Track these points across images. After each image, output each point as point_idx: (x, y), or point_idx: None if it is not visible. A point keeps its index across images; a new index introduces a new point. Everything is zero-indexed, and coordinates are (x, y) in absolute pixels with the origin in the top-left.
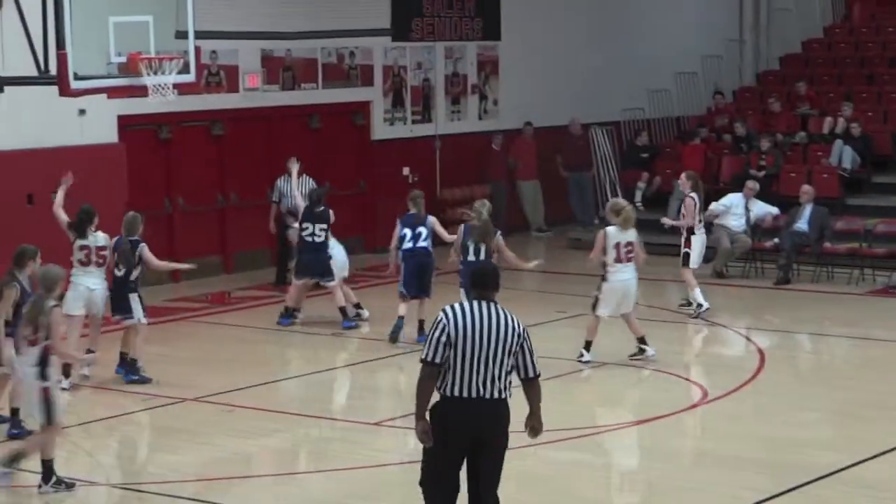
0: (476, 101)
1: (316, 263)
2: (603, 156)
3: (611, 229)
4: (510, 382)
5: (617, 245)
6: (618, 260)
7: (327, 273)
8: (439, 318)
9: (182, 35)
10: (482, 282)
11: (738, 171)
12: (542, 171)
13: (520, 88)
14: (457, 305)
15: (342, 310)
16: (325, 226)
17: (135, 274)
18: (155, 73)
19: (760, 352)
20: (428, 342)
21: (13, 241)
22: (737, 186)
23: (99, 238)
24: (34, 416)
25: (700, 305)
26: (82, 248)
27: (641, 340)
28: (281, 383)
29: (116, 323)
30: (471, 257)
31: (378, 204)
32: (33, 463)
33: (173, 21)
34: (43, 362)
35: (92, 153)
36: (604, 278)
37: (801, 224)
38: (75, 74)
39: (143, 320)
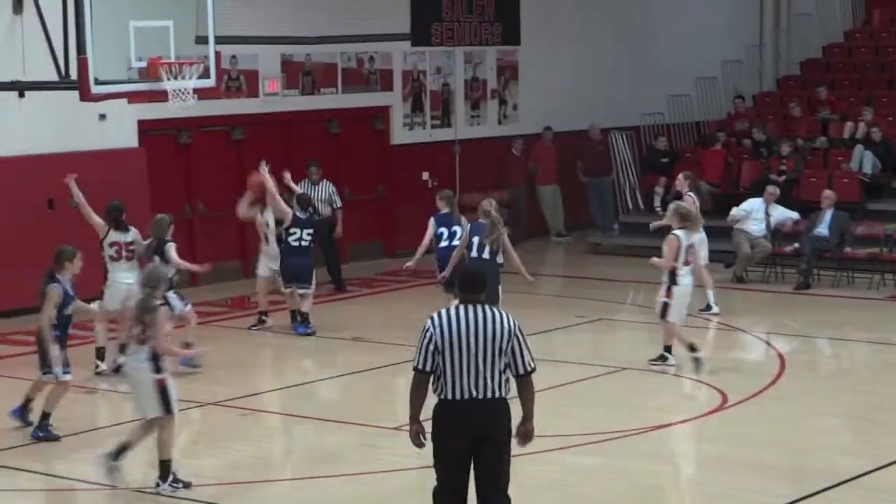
0: (496, 105)
1: (302, 269)
2: (623, 161)
3: (680, 233)
4: (507, 380)
5: (686, 248)
6: (686, 263)
7: (311, 279)
8: (426, 327)
9: (202, 40)
10: (468, 285)
11: (758, 176)
12: (561, 176)
13: (539, 93)
14: (443, 311)
15: (306, 315)
16: (311, 231)
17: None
18: (175, 78)
19: (780, 357)
20: (417, 351)
21: (34, 245)
22: (757, 191)
23: (128, 234)
24: (149, 410)
25: (709, 307)
26: (112, 244)
27: (669, 349)
28: (300, 388)
29: None
30: (474, 254)
31: (397, 209)
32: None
33: (194, 26)
34: (155, 357)
35: (112, 158)
36: (674, 282)
37: (822, 229)
38: (96, 79)
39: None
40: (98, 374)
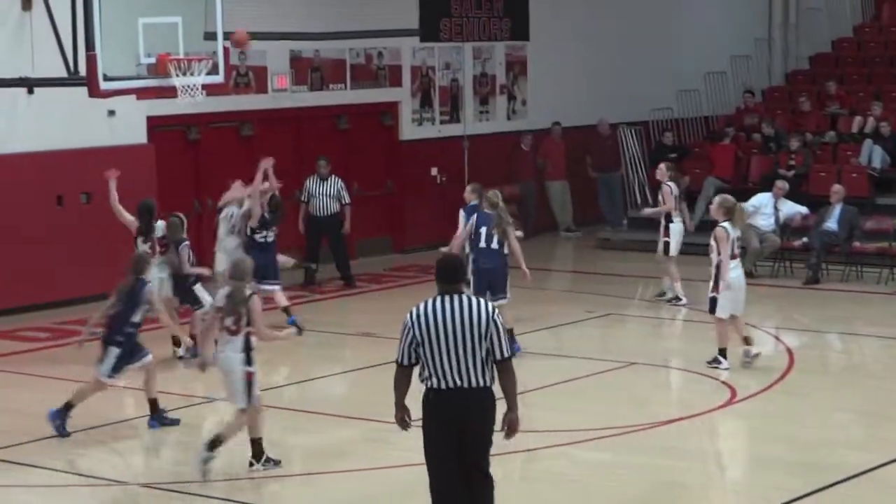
0: (504, 101)
1: (268, 267)
2: (632, 156)
3: (727, 225)
4: (490, 368)
5: (732, 242)
6: (733, 256)
7: (277, 275)
8: (405, 321)
9: (211, 36)
10: (448, 275)
11: (767, 171)
12: (570, 172)
13: (548, 88)
14: (421, 305)
15: (288, 307)
16: (276, 229)
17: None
18: (184, 74)
19: (789, 351)
20: (398, 345)
21: (43, 241)
22: (766, 186)
23: (158, 228)
24: (237, 400)
25: (678, 299)
26: (146, 240)
27: (723, 352)
28: (309, 383)
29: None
30: (482, 245)
31: (406, 204)
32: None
33: (202, 22)
34: (247, 348)
35: (121, 154)
36: (721, 277)
37: (831, 223)
38: (104, 75)
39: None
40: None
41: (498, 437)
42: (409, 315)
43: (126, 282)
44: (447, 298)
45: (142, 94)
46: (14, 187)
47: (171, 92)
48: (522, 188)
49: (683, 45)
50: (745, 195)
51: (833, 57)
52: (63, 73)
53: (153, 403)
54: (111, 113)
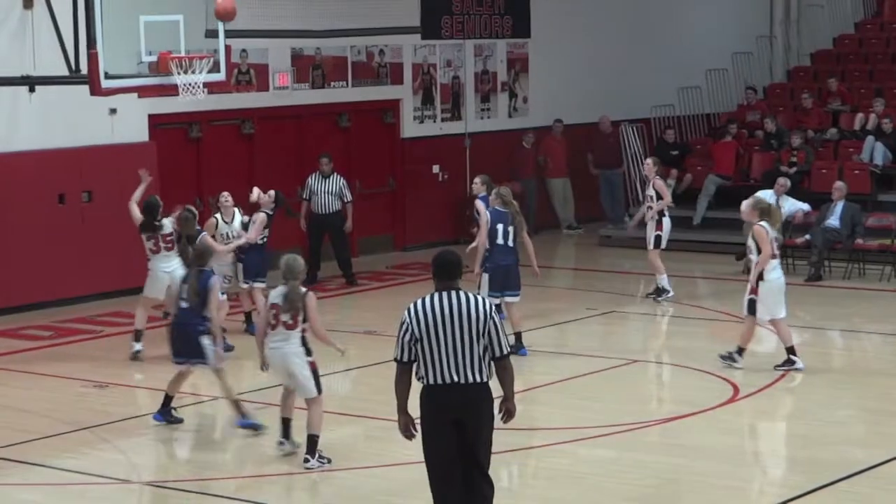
0: (506, 98)
1: (262, 265)
2: (633, 153)
3: (766, 224)
4: (487, 364)
5: (772, 241)
6: (773, 256)
7: (265, 274)
8: (403, 318)
9: (212, 34)
10: (446, 271)
11: (768, 168)
12: (572, 169)
13: (549, 86)
14: (419, 302)
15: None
16: (269, 231)
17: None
18: (185, 72)
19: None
20: (396, 342)
21: (45, 239)
22: (767, 183)
23: (164, 225)
24: (306, 392)
25: (665, 291)
26: (150, 237)
27: (791, 350)
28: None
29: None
30: (500, 241)
31: (408, 202)
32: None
33: (203, 20)
34: (304, 342)
35: (123, 152)
36: (761, 278)
37: (833, 220)
38: (106, 73)
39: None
40: (136, 354)
41: (501, 436)
42: (406, 311)
43: (192, 275)
44: (445, 295)
45: (143, 92)
46: (16, 186)
47: (172, 90)
48: (524, 186)
49: (685, 42)
50: (746, 192)
51: (835, 53)
52: (65, 72)
53: (168, 399)
54: (113, 111)
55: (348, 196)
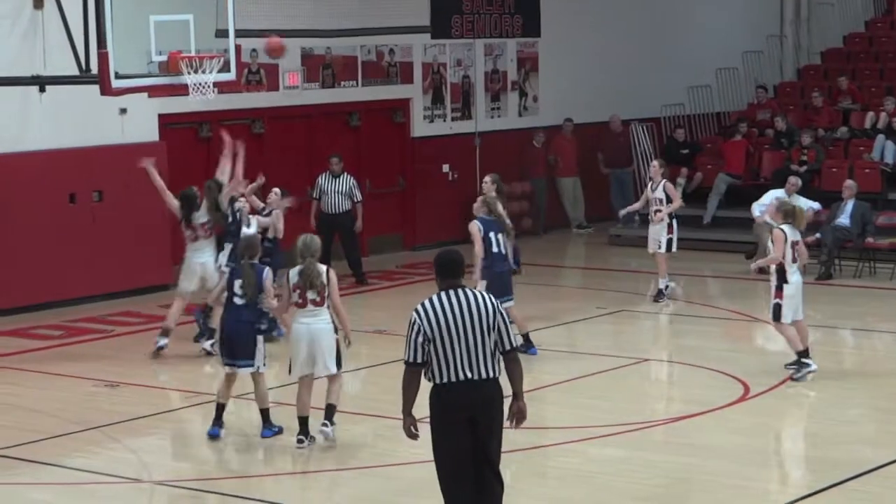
0: (516, 97)
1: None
2: (643, 152)
3: (786, 228)
4: (498, 360)
5: (792, 244)
6: (793, 260)
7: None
8: (412, 319)
9: (222, 34)
10: (450, 270)
11: (778, 166)
12: (582, 168)
13: (560, 85)
14: (426, 302)
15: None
16: None
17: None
18: (195, 72)
19: None
20: (406, 344)
21: (55, 239)
22: (778, 182)
23: (201, 215)
24: (330, 367)
25: (663, 291)
26: (187, 227)
27: (804, 353)
28: (321, 380)
29: None
30: (496, 249)
31: (418, 202)
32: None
33: (214, 20)
34: (332, 319)
35: (133, 152)
36: (785, 280)
37: (843, 219)
38: (116, 73)
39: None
40: (159, 350)
41: (510, 435)
42: (415, 312)
43: (245, 268)
44: (451, 293)
45: (153, 91)
46: (26, 185)
47: (182, 89)
48: (534, 185)
49: (695, 40)
50: (757, 191)
51: (845, 52)
52: (75, 72)
53: (221, 407)
54: (123, 111)
55: (358, 196)
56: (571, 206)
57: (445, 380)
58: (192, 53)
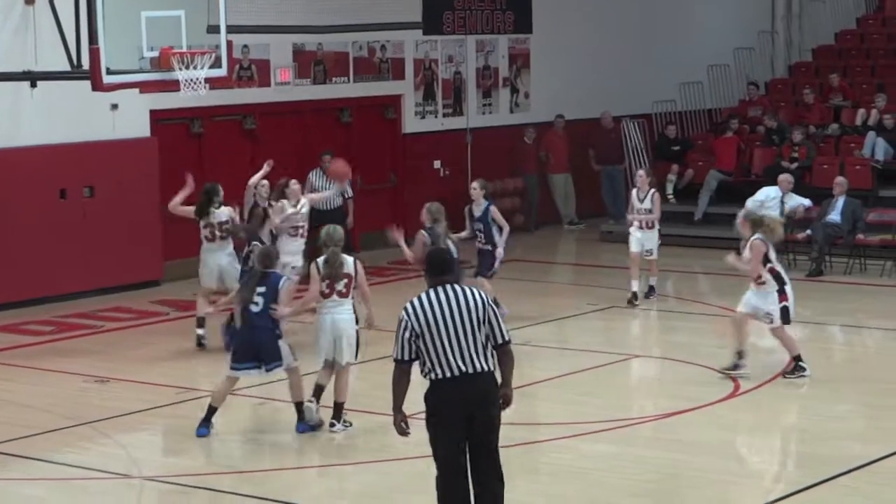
0: (507, 94)
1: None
2: (634, 149)
3: (764, 238)
4: (491, 353)
5: (766, 255)
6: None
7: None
8: (401, 317)
9: (214, 30)
10: (440, 267)
11: (770, 163)
12: (573, 164)
13: (551, 81)
14: (415, 299)
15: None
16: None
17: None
18: (187, 68)
19: None
20: (395, 342)
21: (46, 234)
22: (769, 178)
23: (221, 214)
24: (346, 357)
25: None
26: (206, 225)
27: (799, 357)
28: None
29: None
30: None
31: (409, 198)
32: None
33: (205, 16)
34: (355, 310)
35: (124, 148)
36: (783, 283)
37: (834, 216)
38: (108, 69)
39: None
40: (200, 340)
41: (503, 431)
42: (404, 310)
43: (263, 276)
44: (441, 289)
45: (145, 87)
46: (17, 181)
47: (174, 85)
48: (525, 181)
49: (686, 37)
50: (748, 188)
51: (836, 49)
52: (66, 67)
53: (212, 411)
54: (114, 106)
55: (349, 192)
56: (563, 203)
57: (440, 375)
58: (184, 49)
